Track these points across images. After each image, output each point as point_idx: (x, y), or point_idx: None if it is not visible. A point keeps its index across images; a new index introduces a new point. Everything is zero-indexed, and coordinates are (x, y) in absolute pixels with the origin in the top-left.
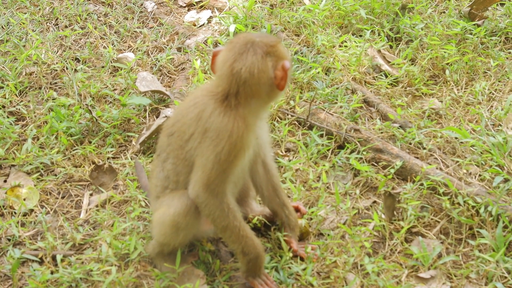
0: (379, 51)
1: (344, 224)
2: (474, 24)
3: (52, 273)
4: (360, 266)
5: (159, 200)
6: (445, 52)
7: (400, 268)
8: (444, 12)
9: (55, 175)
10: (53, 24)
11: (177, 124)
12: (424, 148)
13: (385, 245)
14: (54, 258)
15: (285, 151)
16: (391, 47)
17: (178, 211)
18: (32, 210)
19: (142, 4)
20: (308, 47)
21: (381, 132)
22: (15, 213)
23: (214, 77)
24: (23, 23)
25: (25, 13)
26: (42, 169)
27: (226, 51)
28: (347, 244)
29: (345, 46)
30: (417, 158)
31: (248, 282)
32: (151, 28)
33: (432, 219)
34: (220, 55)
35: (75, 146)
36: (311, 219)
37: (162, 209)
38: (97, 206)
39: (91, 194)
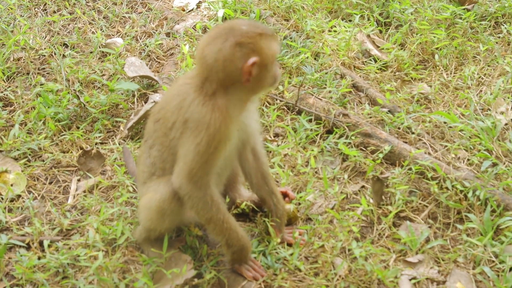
0: (368, 36)
1: (332, 209)
2: (464, 9)
3: (39, 258)
4: (348, 250)
5: (145, 185)
6: (434, 37)
7: (388, 252)
8: None
9: (43, 160)
10: (41, 9)
11: (162, 111)
12: (413, 133)
13: (373, 229)
14: (41, 243)
15: (274, 136)
16: (380, 32)
17: (164, 197)
18: (19, 196)
19: None
20: (297, 32)
21: (370, 117)
22: (2, 198)
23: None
24: (11, 9)
25: None
26: (29, 154)
27: (206, 35)
28: (335, 228)
29: (334, 31)
30: (406, 142)
31: (235, 269)
32: (139, 13)
33: (420, 203)
34: (199, 43)
35: (62, 132)
36: (300, 204)
37: (149, 194)
38: (84, 191)
39: (78, 180)
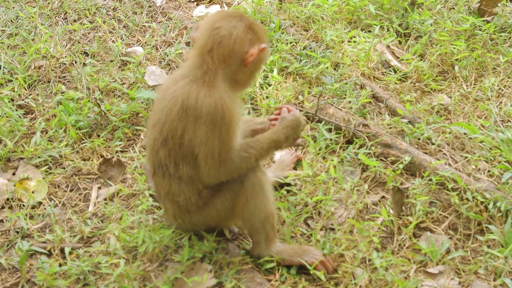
0: (388, 46)
1: (352, 218)
2: (484, 20)
3: (60, 265)
4: (369, 261)
5: (206, 206)
6: (454, 48)
7: (408, 263)
8: (453, 8)
9: (64, 168)
10: (62, 18)
11: (166, 127)
12: (433, 144)
13: (393, 240)
14: (62, 250)
15: (294, 147)
16: (400, 42)
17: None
18: (40, 203)
19: None
20: (317, 42)
21: (390, 128)
22: (23, 205)
23: (192, 49)
24: (32, 17)
25: (34, 7)
26: (50, 162)
27: (213, 15)
28: (355, 238)
29: (354, 42)
30: (426, 153)
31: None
32: (159, 22)
33: (440, 214)
34: (204, 20)
35: (83, 140)
36: (319, 213)
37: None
38: (105, 199)
39: (99, 187)
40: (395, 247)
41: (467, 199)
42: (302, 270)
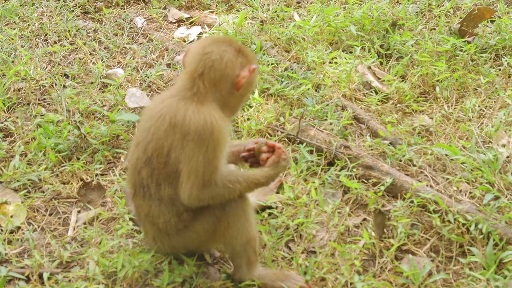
0: (369, 67)
1: (334, 241)
2: (465, 41)
3: None
4: (350, 284)
5: (186, 229)
6: (435, 69)
7: (390, 286)
8: (434, 29)
9: (43, 192)
10: (42, 39)
11: (151, 145)
12: (415, 165)
13: (375, 263)
14: (40, 276)
15: None
16: (381, 63)
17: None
18: (19, 228)
19: (131, 20)
20: (298, 64)
21: (371, 149)
22: (1, 230)
23: (181, 74)
24: (12, 39)
25: (14, 29)
26: (29, 186)
27: (202, 40)
28: (337, 261)
29: (335, 63)
30: (407, 175)
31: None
32: (140, 44)
33: (422, 236)
34: (194, 45)
35: (63, 163)
36: (301, 235)
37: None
38: (85, 223)
39: (79, 211)
40: (377, 270)
41: (449, 221)
42: None
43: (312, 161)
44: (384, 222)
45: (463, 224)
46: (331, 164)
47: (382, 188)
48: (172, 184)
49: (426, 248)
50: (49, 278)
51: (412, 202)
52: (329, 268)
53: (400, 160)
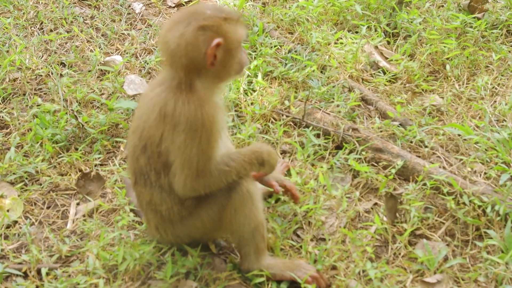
0: (376, 47)
1: (344, 227)
2: (474, 17)
3: (37, 287)
4: (363, 272)
5: (190, 216)
6: (445, 47)
7: (404, 273)
8: (442, 6)
9: (40, 184)
10: (38, 28)
11: (144, 134)
12: (426, 147)
13: (388, 249)
14: (39, 271)
15: (281, 153)
16: (388, 43)
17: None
18: (16, 222)
19: (129, 6)
20: (302, 45)
21: (381, 131)
22: None
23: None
24: (6, 28)
25: (8, 18)
26: (26, 178)
27: (168, 20)
28: (348, 248)
29: (341, 43)
30: (419, 157)
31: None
32: (139, 30)
33: (436, 220)
34: (161, 31)
35: (60, 154)
36: (309, 222)
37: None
38: (84, 215)
39: (78, 203)
40: (390, 256)
41: (464, 203)
42: (293, 285)
43: (319, 145)
44: (396, 206)
45: (479, 206)
46: (339, 147)
47: (393, 171)
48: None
49: (440, 232)
50: (47, 274)
51: (424, 184)
52: (340, 256)
53: (411, 142)
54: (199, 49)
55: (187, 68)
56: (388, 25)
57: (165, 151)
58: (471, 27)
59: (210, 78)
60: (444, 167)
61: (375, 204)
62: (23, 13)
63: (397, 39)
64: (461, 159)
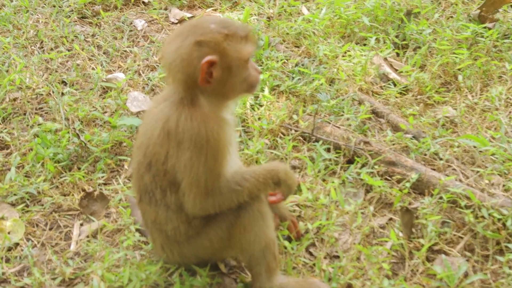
0: (385, 59)
1: (359, 244)
2: (485, 27)
3: None
4: None
5: (198, 235)
6: (456, 57)
7: None
8: (452, 17)
9: (42, 205)
10: (38, 47)
11: (149, 151)
12: (441, 159)
13: (405, 265)
14: None
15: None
16: (397, 54)
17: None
18: (17, 244)
19: (131, 23)
20: (309, 58)
21: (393, 144)
22: None
23: None
24: (6, 47)
25: (8, 37)
26: (27, 199)
27: (168, 38)
28: (363, 266)
29: (349, 56)
30: (434, 169)
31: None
32: (141, 46)
33: (454, 235)
34: (163, 45)
35: (63, 173)
36: (322, 239)
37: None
38: (88, 236)
39: (81, 224)
40: (408, 273)
41: (483, 216)
42: None
43: (330, 160)
44: (412, 221)
45: (499, 219)
46: (350, 161)
47: (408, 184)
48: (177, 191)
49: (459, 247)
50: None
51: (441, 198)
52: (355, 273)
53: (425, 154)
54: (193, 65)
55: (186, 83)
56: (397, 36)
57: (172, 169)
58: (482, 36)
59: (213, 94)
60: (460, 180)
61: (390, 219)
62: (23, 32)
63: (406, 51)
64: (478, 171)
